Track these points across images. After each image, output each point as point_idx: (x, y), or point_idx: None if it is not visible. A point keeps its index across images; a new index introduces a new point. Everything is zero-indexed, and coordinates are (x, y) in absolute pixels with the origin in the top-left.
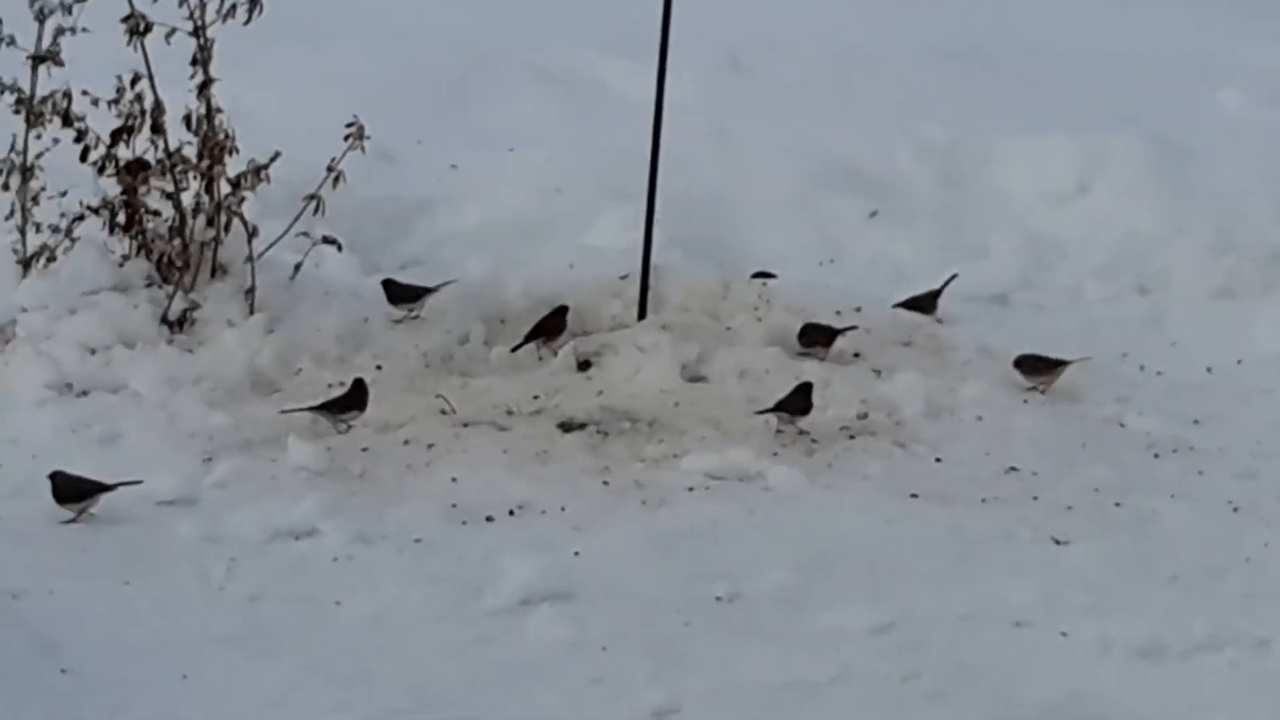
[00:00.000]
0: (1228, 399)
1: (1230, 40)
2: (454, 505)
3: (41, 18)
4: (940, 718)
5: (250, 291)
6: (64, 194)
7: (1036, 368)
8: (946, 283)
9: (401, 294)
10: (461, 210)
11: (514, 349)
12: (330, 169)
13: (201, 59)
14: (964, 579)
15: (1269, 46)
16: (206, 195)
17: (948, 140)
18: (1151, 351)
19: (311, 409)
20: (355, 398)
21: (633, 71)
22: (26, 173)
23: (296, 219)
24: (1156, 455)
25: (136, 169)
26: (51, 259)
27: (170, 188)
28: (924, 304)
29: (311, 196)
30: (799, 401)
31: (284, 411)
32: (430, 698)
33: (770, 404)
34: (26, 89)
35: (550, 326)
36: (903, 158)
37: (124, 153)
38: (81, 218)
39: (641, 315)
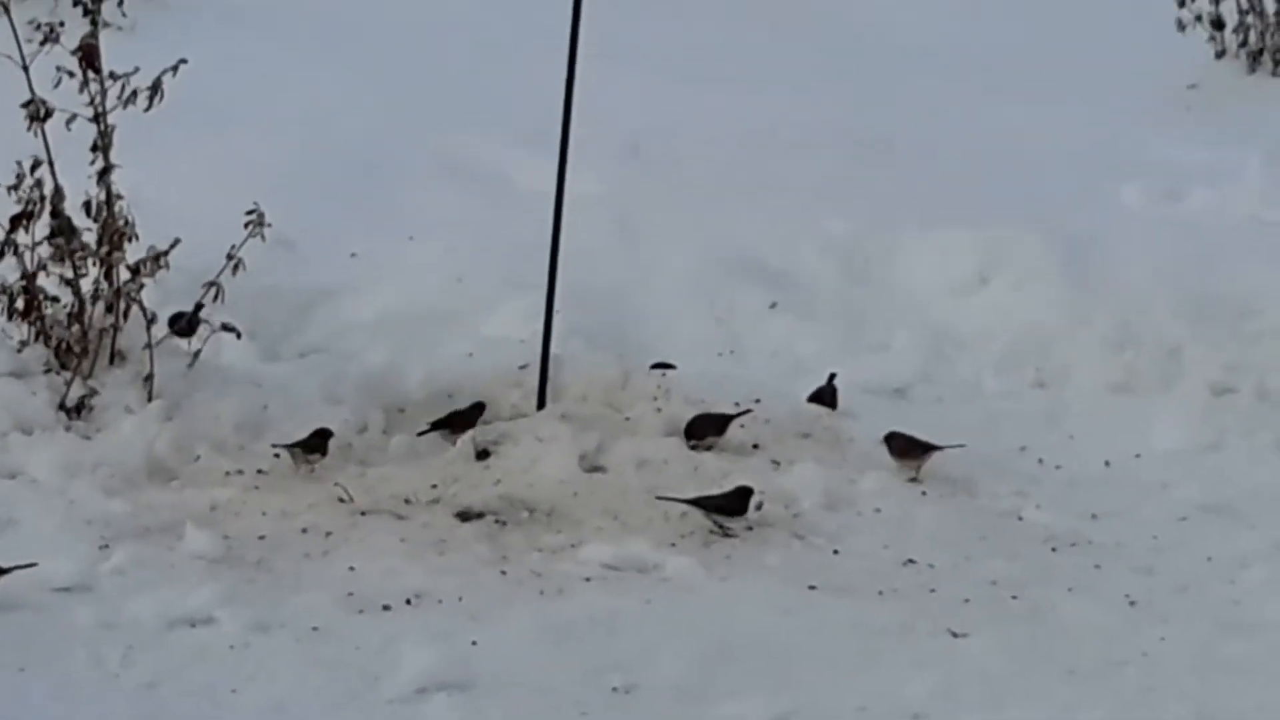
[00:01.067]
0: (1126, 493)
1: (1131, 135)
2: (351, 594)
3: None
4: None
5: (149, 379)
6: None
7: (905, 450)
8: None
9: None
10: (362, 299)
11: (420, 433)
12: (230, 256)
13: (102, 145)
14: (862, 671)
15: (1169, 142)
16: (106, 282)
17: (850, 232)
18: (1050, 445)
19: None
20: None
21: (534, 161)
22: None
23: (196, 306)
24: (1054, 549)
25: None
26: None
27: (69, 274)
28: (825, 398)
29: (211, 284)
30: (736, 504)
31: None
32: None
33: (682, 494)
34: None
35: (460, 420)
36: (805, 249)
37: (23, 238)
38: None
39: (541, 405)
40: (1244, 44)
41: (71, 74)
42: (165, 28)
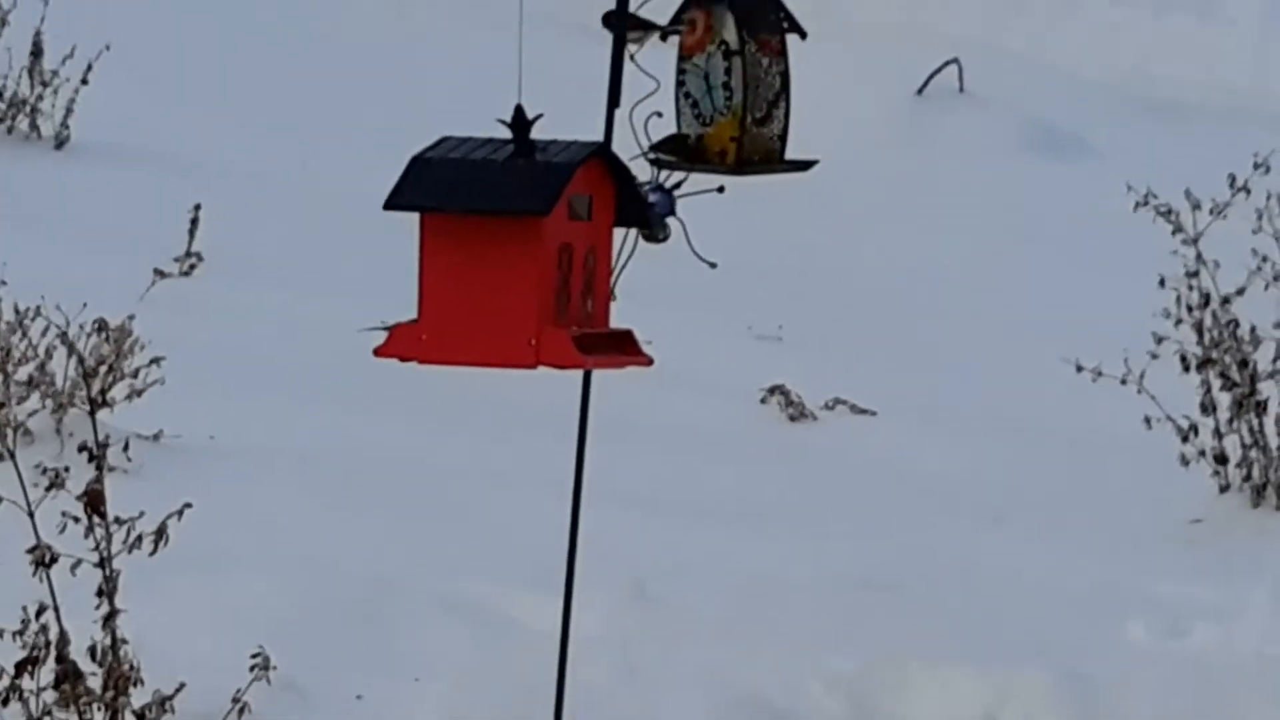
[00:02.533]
0: None
1: (1135, 571)
2: None
3: None
4: None
5: None
6: None
7: None
8: None
9: None
10: None
11: None
12: (236, 700)
13: (107, 590)
14: None
15: (1173, 578)
16: None
17: (855, 670)
18: None
19: None
20: None
21: (538, 601)
22: None
23: None
24: None
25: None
26: None
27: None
28: None
29: None
30: None
31: None
32: None
33: None
34: None
35: None
36: (811, 688)
37: (28, 684)
38: None
39: None
40: (1248, 479)
41: (77, 519)
42: (169, 470)
